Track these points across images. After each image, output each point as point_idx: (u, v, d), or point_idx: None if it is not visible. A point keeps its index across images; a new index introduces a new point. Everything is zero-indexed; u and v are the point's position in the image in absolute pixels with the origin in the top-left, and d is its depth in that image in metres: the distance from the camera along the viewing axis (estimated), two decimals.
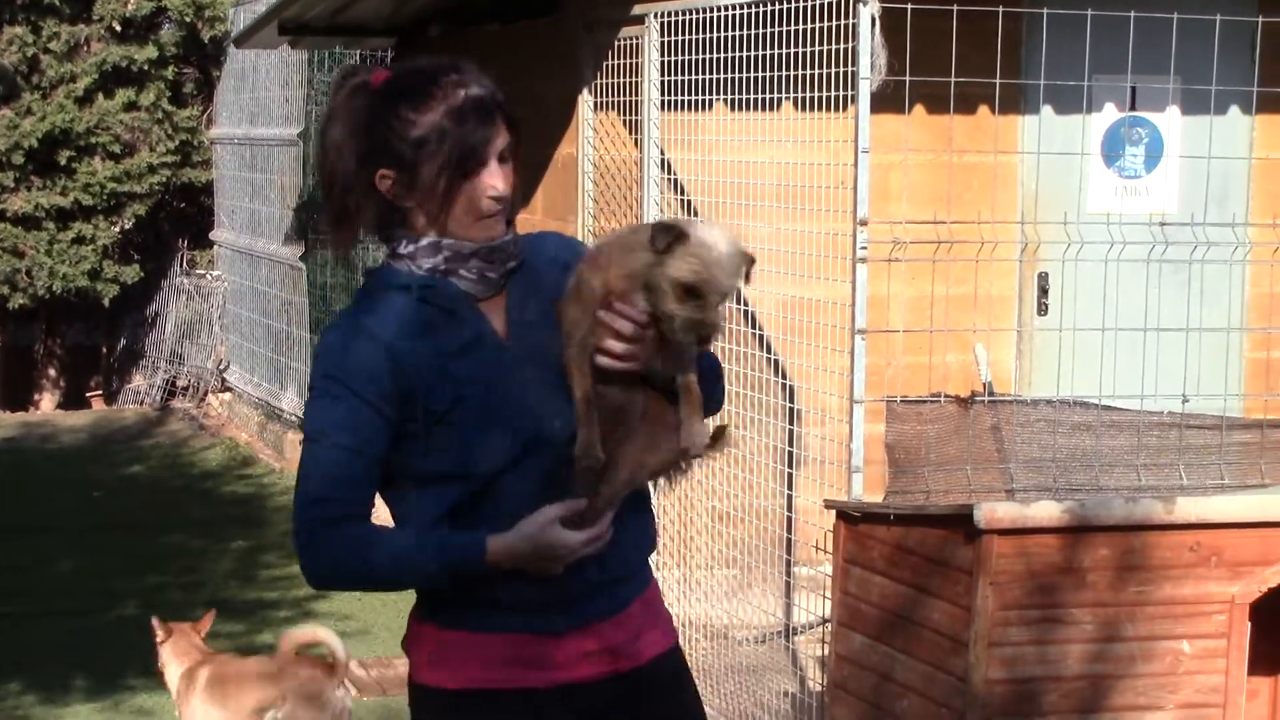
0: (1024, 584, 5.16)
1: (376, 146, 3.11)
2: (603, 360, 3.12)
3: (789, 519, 6.68)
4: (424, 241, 3.15)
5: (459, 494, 3.12)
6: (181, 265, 16.19)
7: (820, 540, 6.35)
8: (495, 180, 3.13)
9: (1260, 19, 6.78)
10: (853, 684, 5.85)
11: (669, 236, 3.07)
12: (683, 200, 7.26)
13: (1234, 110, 7.61)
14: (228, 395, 14.74)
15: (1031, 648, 5.12)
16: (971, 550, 5.17)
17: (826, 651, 6.08)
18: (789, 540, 6.68)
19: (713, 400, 3.29)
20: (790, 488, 6.69)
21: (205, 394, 15.03)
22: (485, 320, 3.18)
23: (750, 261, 3.15)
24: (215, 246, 15.76)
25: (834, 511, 5.98)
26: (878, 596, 5.70)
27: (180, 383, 15.31)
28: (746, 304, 6.97)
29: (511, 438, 3.11)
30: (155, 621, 6.22)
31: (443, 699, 3.20)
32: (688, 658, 6.98)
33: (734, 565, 7.06)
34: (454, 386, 3.10)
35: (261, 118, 13.94)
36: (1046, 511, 5.18)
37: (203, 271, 16.03)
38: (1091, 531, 5.29)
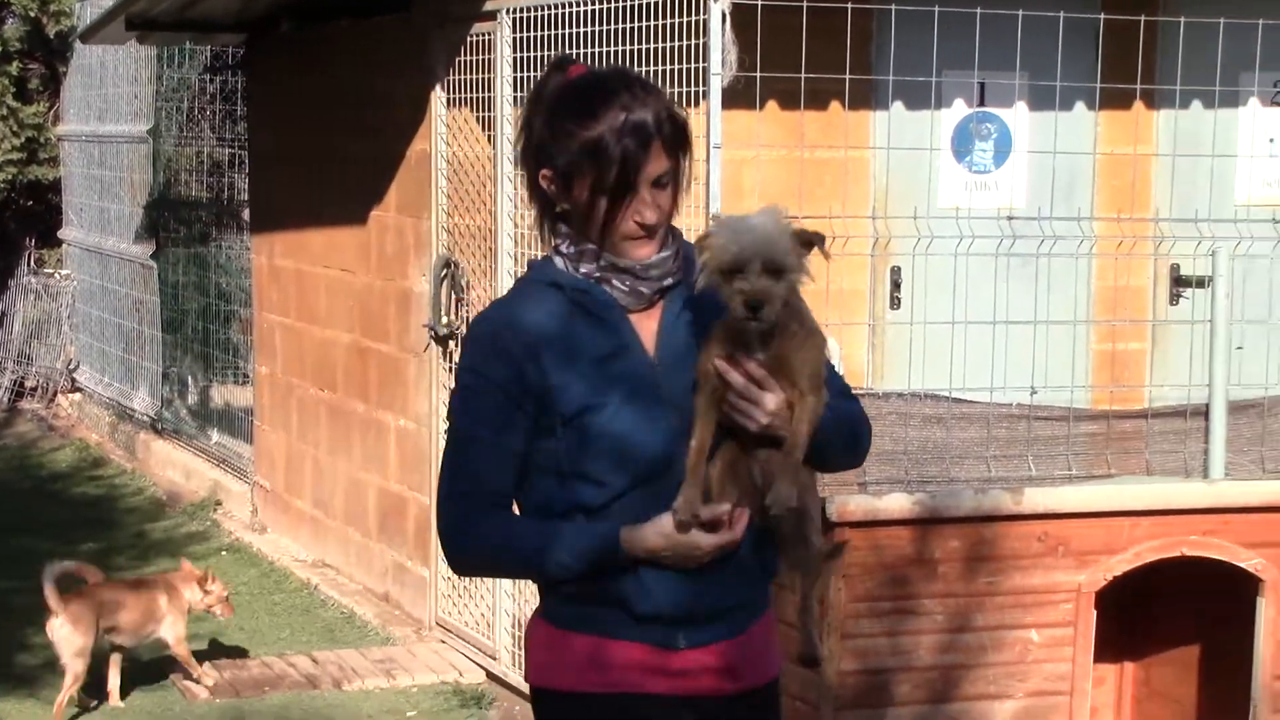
0: (876, 576, 5.21)
1: (542, 147, 3.14)
2: (728, 413, 3.10)
3: None
4: (586, 246, 3.17)
5: (583, 495, 3.15)
6: (29, 264, 15.89)
7: None
8: (643, 207, 3.11)
9: (1103, 16, 6.88)
10: None
11: (700, 239, 3.09)
12: None
13: (1080, 106, 7.71)
14: (77, 396, 14.51)
15: (884, 639, 5.18)
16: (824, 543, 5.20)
17: None
18: None
19: (847, 450, 3.29)
20: None
21: (54, 394, 14.79)
22: (634, 332, 3.18)
23: (808, 237, 3.07)
24: (64, 245, 15.51)
25: None
26: None
27: (29, 383, 15.04)
28: None
29: (628, 457, 3.12)
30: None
31: (562, 701, 3.24)
32: None
33: None
34: (586, 394, 3.12)
35: (110, 114, 13.73)
36: (897, 504, 5.23)
37: (51, 270, 15.75)
38: (942, 523, 5.36)
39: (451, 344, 7.89)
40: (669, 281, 3.19)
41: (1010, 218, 6.69)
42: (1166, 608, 6.01)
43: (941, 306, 6.50)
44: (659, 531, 3.08)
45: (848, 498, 5.23)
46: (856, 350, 7.61)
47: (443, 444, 8.02)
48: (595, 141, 3.07)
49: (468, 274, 7.80)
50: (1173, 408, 6.45)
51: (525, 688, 7.06)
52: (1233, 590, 5.59)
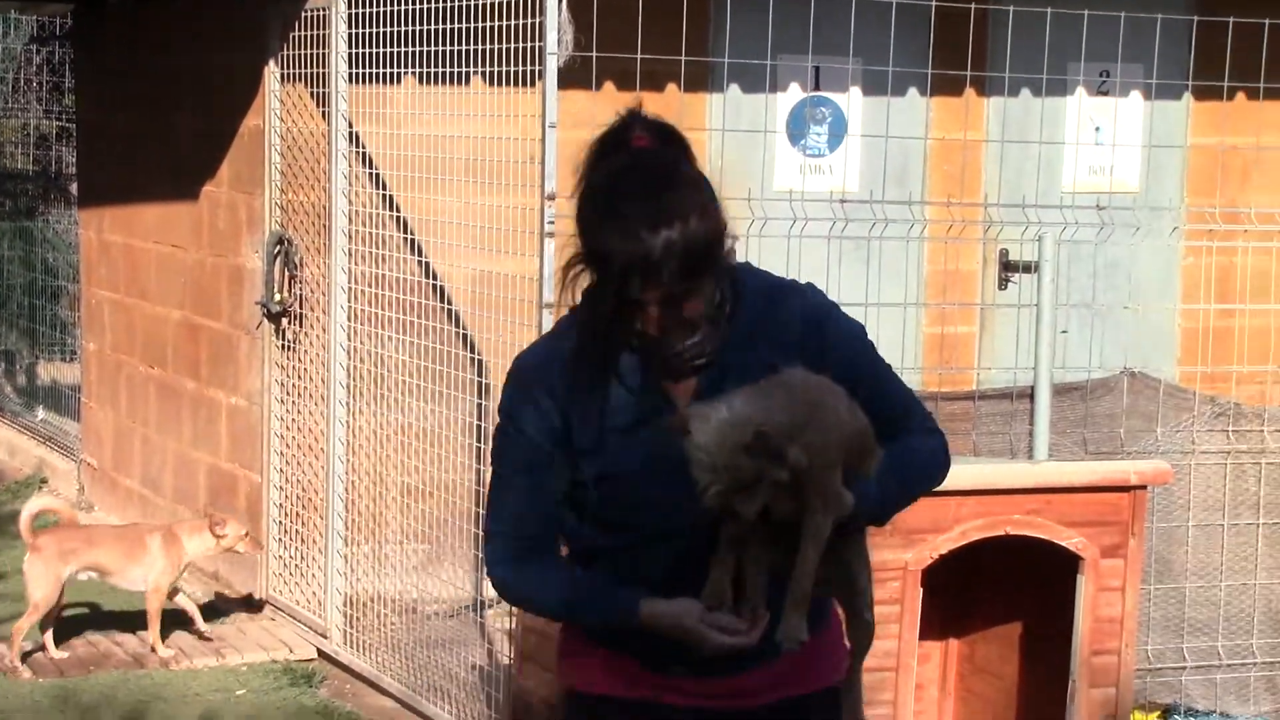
0: None
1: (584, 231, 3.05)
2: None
3: (479, 493, 6.69)
4: None
5: (600, 539, 3.17)
6: None
7: None
8: (650, 322, 3.02)
9: (935, 3, 6.98)
10: (540, 655, 5.89)
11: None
12: (370, 173, 7.21)
13: (912, 92, 7.82)
14: None
15: None
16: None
17: (515, 624, 6.11)
18: (479, 515, 6.69)
19: (911, 495, 3.19)
20: (480, 462, 6.69)
21: None
22: (668, 399, 3.09)
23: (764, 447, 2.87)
24: None
25: None
26: None
27: None
28: (435, 278, 6.95)
29: (648, 521, 3.10)
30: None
31: (586, 703, 3.30)
32: (378, 633, 6.95)
33: (424, 540, 7.05)
34: (605, 462, 3.10)
35: None
36: None
37: None
38: None
39: (284, 321, 7.83)
40: (701, 362, 3.08)
41: (843, 201, 6.77)
42: (990, 586, 6.12)
43: None
44: (676, 618, 3.04)
45: None
46: None
47: (276, 422, 7.98)
48: (599, 254, 2.99)
49: (301, 251, 7.74)
50: (999, 390, 6.57)
51: (356, 665, 7.05)
52: (1054, 569, 5.70)
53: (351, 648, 7.18)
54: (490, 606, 6.86)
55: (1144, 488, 5.76)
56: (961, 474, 5.80)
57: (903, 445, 3.15)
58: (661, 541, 3.11)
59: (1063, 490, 5.65)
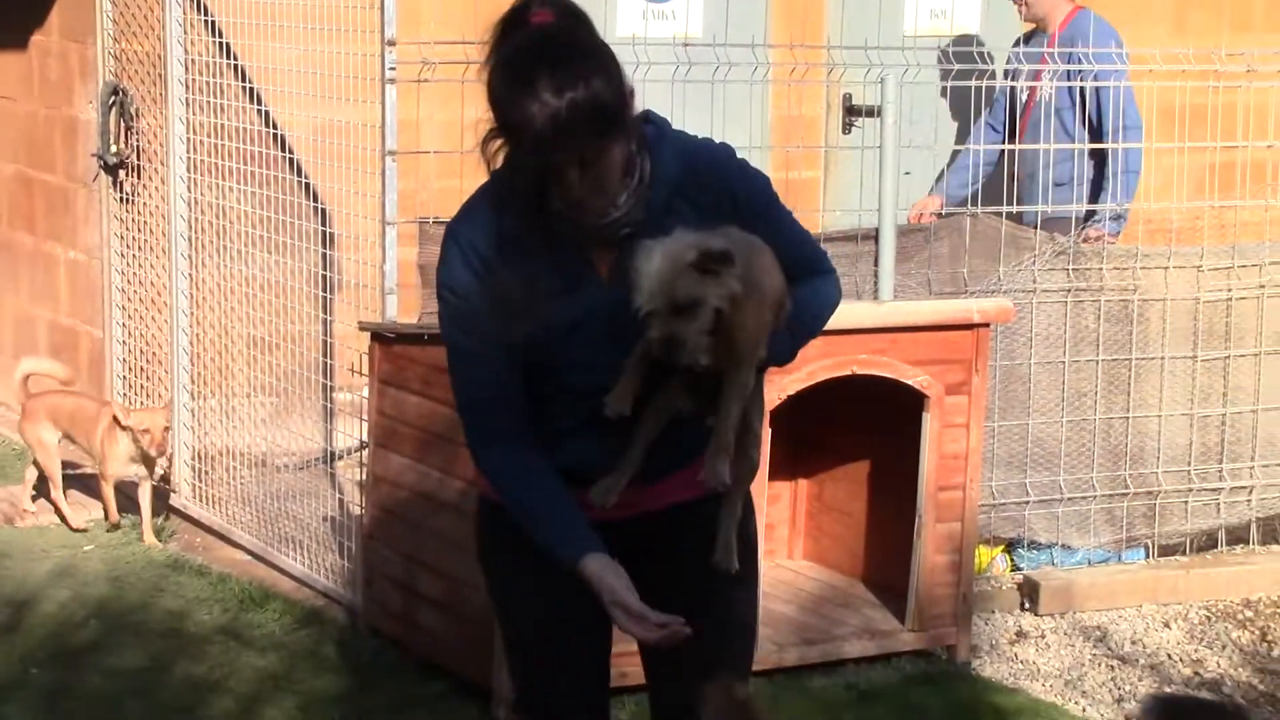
0: None
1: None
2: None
3: (326, 344, 6.65)
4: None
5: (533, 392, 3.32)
6: None
7: (357, 364, 6.35)
8: (562, 189, 3.14)
9: None
10: (391, 504, 5.90)
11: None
12: (206, 21, 7.05)
13: None
14: None
15: None
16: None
17: (365, 474, 6.11)
18: (327, 366, 6.66)
19: (802, 341, 3.37)
20: (327, 313, 6.65)
21: None
22: (591, 265, 3.26)
23: (711, 260, 3.07)
24: None
25: (369, 334, 5.98)
26: (414, 417, 5.74)
27: None
28: (276, 127, 6.84)
29: (580, 392, 3.26)
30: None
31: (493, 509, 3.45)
32: (228, 487, 6.92)
33: (272, 393, 7.00)
34: (535, 324, 3.23)
35: None
36: None
37: None
38: None
39: (122, 173, 7.68)
40: (627, 231, 3.21)
41: (686, 44, 6.72)
42: (838, 426, 6.20)
43: None
44: (599, 590, 3.18)
45: None
46: None
47: (117, 276, 7.85)
48: (511, 124, 3.10)
49: (137, 101, 7.58)
50: (844, 232, 6.61)
51: (206, 519, 7.02)
52: (901, 407, 5.79)
53: (201, 502, 7.14)
54: (340, 458, 6.85)
55: (987, 326, 5.85)
56: None
57: (808, 289, 3.37)
58: (584, 399, 3.26)
59: (907, 329, 5.72)
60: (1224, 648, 6.33)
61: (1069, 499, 6.74)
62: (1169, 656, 6.23)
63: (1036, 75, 7.15)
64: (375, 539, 5.98)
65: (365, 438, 6.16)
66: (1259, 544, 7.13)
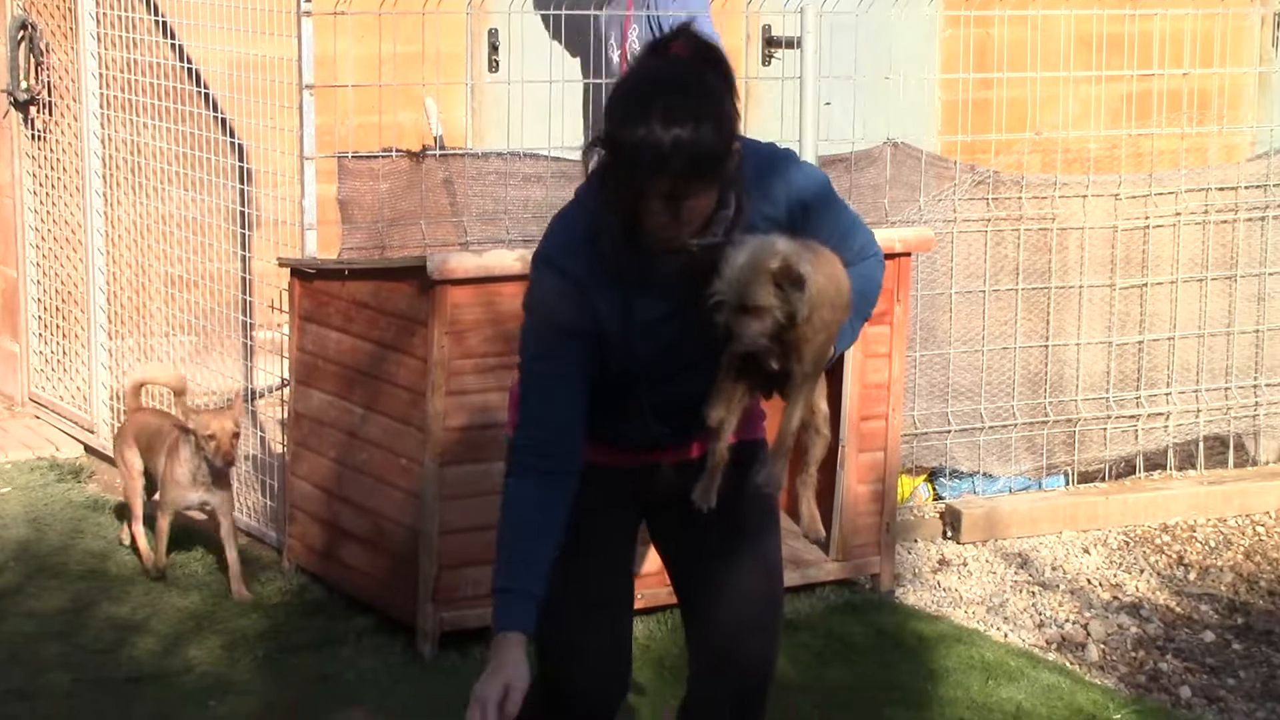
0: (481, 332, 5.25)
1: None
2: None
3: (245, 281, 6.59)
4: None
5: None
6: None
7: (277, 301, 6.30)
8: (651, 219, 3.21)
9: None
10: (314, 441, 5.87)
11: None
12: None
13: None
14: None
15: (492, 395, 5.22)
16: (427, 301, 5.21)
17: (288, 412, 6.07)
18: (246, 303, 6.60)
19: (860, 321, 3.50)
20: (245, 249, 6.59)
21: None
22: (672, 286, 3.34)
23: (788, 277, 3.20)
24: None
25: (288, 270, 5.94)
26: (335, 353, 5.71)
27: None
28: (190, 62, 6.76)
29: (645, 388, 3.44)
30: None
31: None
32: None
33: (192, 331, 6.94)
34: (623, 353, 3.37)
35: None
36: (500, 260, 5.26)
37: None
38: None
39: (33, 110, 7.57)
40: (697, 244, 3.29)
41: None
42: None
43: (538, 68, 6.50)
44: (491, 669, 3.26)
45: (448, 255, 5.23)
46: (456, 112, 7.57)
47: (30, 215, 7.75)
48: (616, 141, 3.19)
49: (47, 36, 7.47)
50: None
51: None
52: None
53: None
54: (262, 396, 6.80)
55: (908, 255, 5.86)
56: None
57: (862, 278, 3.49)
58: (654, 392, 3.46)
59: None
60: (1142, 572, 6.40)
61: (990, 428, 6.79)
62: (1089, 581, 6.30)
63: None
64: (298, 476, 5.95)
65: (286, 375, 6.12)
66: (1176, 470, 7.21)
